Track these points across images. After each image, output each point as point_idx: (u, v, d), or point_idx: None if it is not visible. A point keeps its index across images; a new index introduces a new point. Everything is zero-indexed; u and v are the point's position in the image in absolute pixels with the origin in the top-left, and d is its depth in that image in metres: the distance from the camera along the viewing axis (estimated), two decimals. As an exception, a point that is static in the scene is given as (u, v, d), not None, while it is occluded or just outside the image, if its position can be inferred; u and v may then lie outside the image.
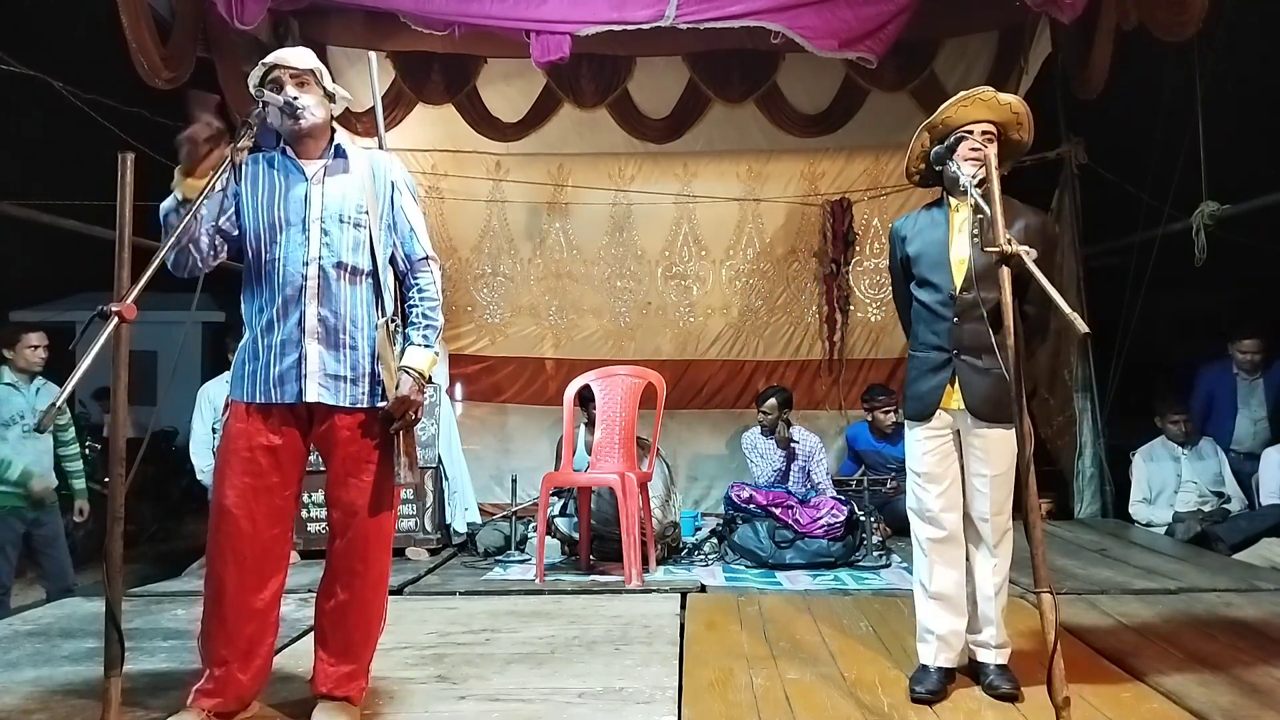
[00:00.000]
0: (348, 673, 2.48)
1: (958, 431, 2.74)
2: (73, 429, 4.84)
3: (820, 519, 4.79)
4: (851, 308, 6.59)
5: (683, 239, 6.77)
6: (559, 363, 6.66)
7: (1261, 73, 5.85)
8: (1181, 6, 4.44)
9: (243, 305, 2.53)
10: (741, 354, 6.68)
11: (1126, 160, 6.22)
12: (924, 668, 2.73)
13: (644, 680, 2.80)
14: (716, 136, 6.56)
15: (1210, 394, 5.67)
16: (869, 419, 5.94)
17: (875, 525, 5.00)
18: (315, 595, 2.54)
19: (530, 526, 5.16)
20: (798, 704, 2.62)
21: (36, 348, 4.53)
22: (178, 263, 2.40)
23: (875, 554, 4.80)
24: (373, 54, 4.48)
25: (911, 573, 4.52)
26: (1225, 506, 5.26)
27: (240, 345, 2.50)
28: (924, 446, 2.75)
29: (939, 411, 2.72)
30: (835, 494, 5.24)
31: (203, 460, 4.98)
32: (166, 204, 2.35)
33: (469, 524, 5.25)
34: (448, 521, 5.17)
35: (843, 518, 4.80)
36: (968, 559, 2.76)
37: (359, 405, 2.45)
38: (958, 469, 2.75)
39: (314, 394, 2.40)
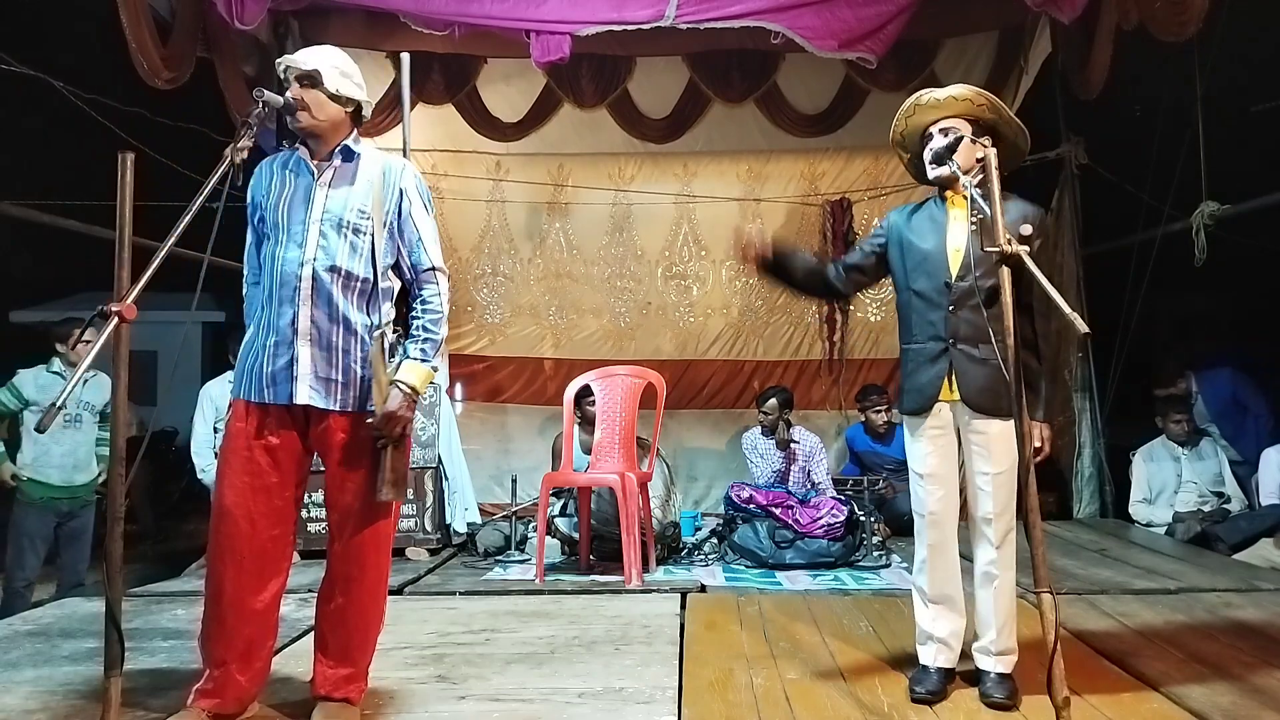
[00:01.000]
0: (346, 675, 2.48)
1: (958, 430, 2.72)
2: None
3: (820, 519, 4.79)
4: (851, 308, 6.59)
5: (683, 239, 6.77)
6: (559, 363, 6.67)
7: (1261, 73, 5.85)
8: (1181, 6, 4.44)
9: (246, 304, 2.56)
10: (741, 354, 6.69)
11: (1126, 160, 6.23)
12: (924, 668, 2.72)
13: (644, 680, 2.79)
14: (716, 136, 6.56)
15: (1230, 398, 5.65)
16: (864, 419, 5.95)
17: (875, 525, 5.01)
18: (315, 597, 2.54)
19: (530, 526, 5.16)
20: (798, 704, 2.62)
21: (89, 343, 4.57)
22: None
23: (875, 554, 4.80)
24: (405, 55, 4.47)
25: (911, 573, 4.54)
26: (1225, 507, 5.26)
27: (243, 342, 2.50)
28: (925, 447, 2.71)
29: (938, 406, 2.68)
30: (835, 494, 5.24)
31: (203, 460, 4.98)
32: None
33: (469, 524, 5.25)
34: (448, 521, 5.17)
35: (843, 518, 4.80)
36: (970, 560, 2.74)
37: (349, 409, 2.43)
38: (957, 468, 2.73)
39: (305, 396, 2.39)
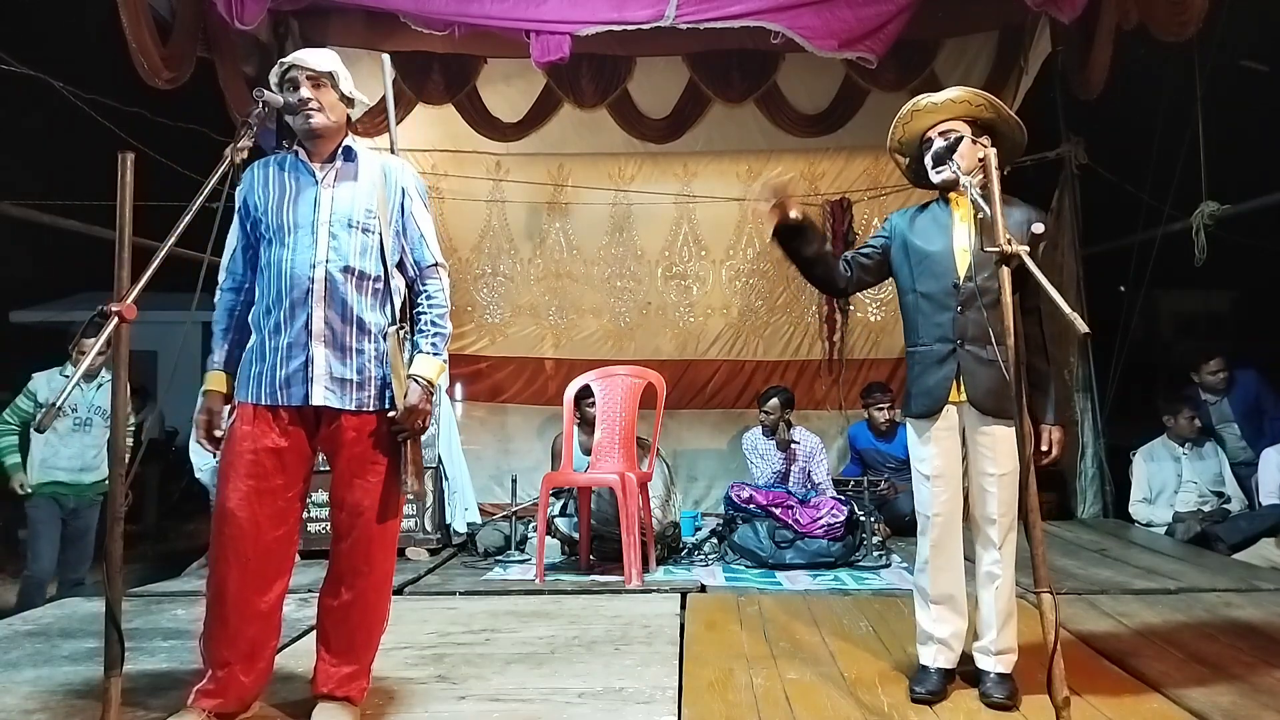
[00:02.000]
0: (349, 673, 2.48)
1: (963, 430, 2.72)
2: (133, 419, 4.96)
3: (820, 519, 4.79)
4: (851, 308, 6.59)
5: (683, 239, 6.77)
6: (559, 363, 6.67)
7: (1261, 73, 5.85)
8: (1181, 6, 4.44)
9: (220, 307, 2.54)
10: (741, 354, 6.69)
11: (1126, 160, 6.23)
12: (924, 668, 2.72)
13: (644, 680, 2.80)
14: (716, 136, 6.56)
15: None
16: (867, 417, 5.96)
17: (875, 525, 5.01)
18: (317, 595, 2.54)
19: (530, 526, 5.16)
20: (798, 704, 2.62)
21: (86, 354, 4.57)
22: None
23: (875, 554, 4.80)
24: (386, 56, 4.49)
25: (911, 573, 4.54)
26: (1225, 507, 5.26)
27: (247, 347, 2.50)
28: (931, 449, 2.70)
29: (946, 408, 2.68)
30: (835, 494, 5.24)
31: (201, 459, 4.99)
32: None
33: (469, 524, 5.25)
34: (448, 521, 5.17)
35: (843, 518, 4.80)
36: (972, 560, 2.74)
37: (365, 409, 2.44)
38: (961, 469, 2.73)
39: (320, 397, 2.39)
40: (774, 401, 5.53)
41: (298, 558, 3.46)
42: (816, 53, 5.31)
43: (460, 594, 4.10)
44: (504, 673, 2.91)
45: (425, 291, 2.58)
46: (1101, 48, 5.25)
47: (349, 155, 2.53)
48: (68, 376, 4.59)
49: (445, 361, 2.59)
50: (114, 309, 1.95)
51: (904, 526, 5.46)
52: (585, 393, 4.91)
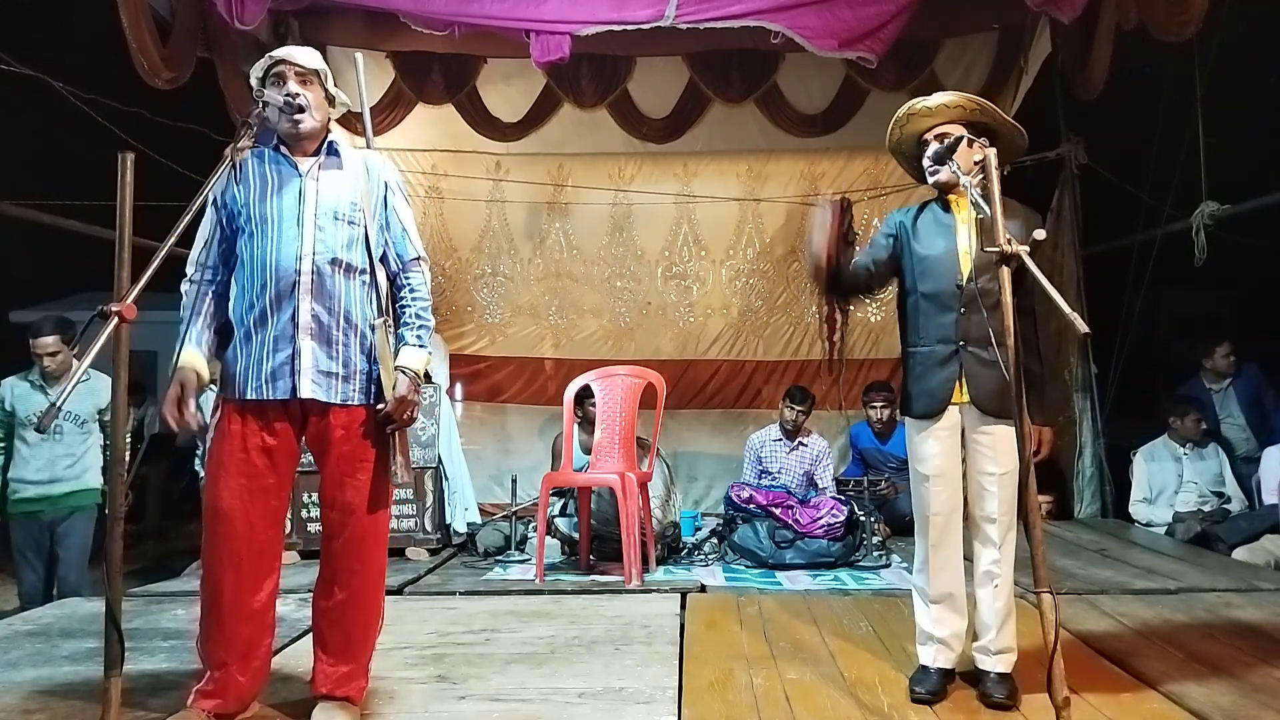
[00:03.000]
0: (347, 673, 2.48)
1: (963, 430, 2.72)
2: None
3: (820, 519, 4.79)
4: (851, 308, 6.59)
5: (683, 239, 6.77)
6: (559, 363, 6.66)
7: (1261, 73, 5.85)
8: (1181, 6, 4.44)
9: (230, 302, 2.50)
10: (741, 354, 6.69)
11: (1126, 160, 6.22)
12: (924, 668, 2.72)
13: (644, 680, 2.80)
14: (716, 136, 6.56)
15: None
16: (867, 416, 5.96)
17: (875, 525, 5.00)
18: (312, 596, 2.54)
19: (530, 526, 5.16)
20: (798, 704, 2.62)
21: (41, 356, 4.28)
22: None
23: (875, 554, 4.80)
24: (359, 54, 4.50)
25: (911, 573, 4.54)
26: (1225, 507, 5.26)
27: (230, 345, 2.47)
28: (932, 448, 2.70)
29: (948, 409, 2.68)
30: (835, 494, 5.24)
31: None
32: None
33: (469, 524, 5.25)
34: (448, 521, 5.17)
35: (843, 518, 4.80)
36: (971, 560, 2.74)
37: (350, 402, 2.44)
38: (960, 469, 2.74)
39: (307, 390, 2.39)
40: (810, 402, 5.57)
41: (298, 558, 3.46)
42: (816, 53, 5.31)
43: (460, 594, 4.09)
44: (504, 673, 2.91)
45: (408, 285, 2.59)
46: (1101, 48, 5.25)
47: (332, 150, 2.54)
48: (31, 381, 4.35)
49: (431, 353, 2.61)
50: (114, 309, 1.95)
51: (904, 526, 5.46)
52: (585, 393, 4.91)
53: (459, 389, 6.52)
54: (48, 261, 9.47)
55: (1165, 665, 2.89)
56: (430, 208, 6.68)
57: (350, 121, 5.62)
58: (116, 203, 2.11)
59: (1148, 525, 5.46)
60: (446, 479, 5.18)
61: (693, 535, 5.30)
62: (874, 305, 6.63)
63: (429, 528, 5.01)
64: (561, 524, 4.94)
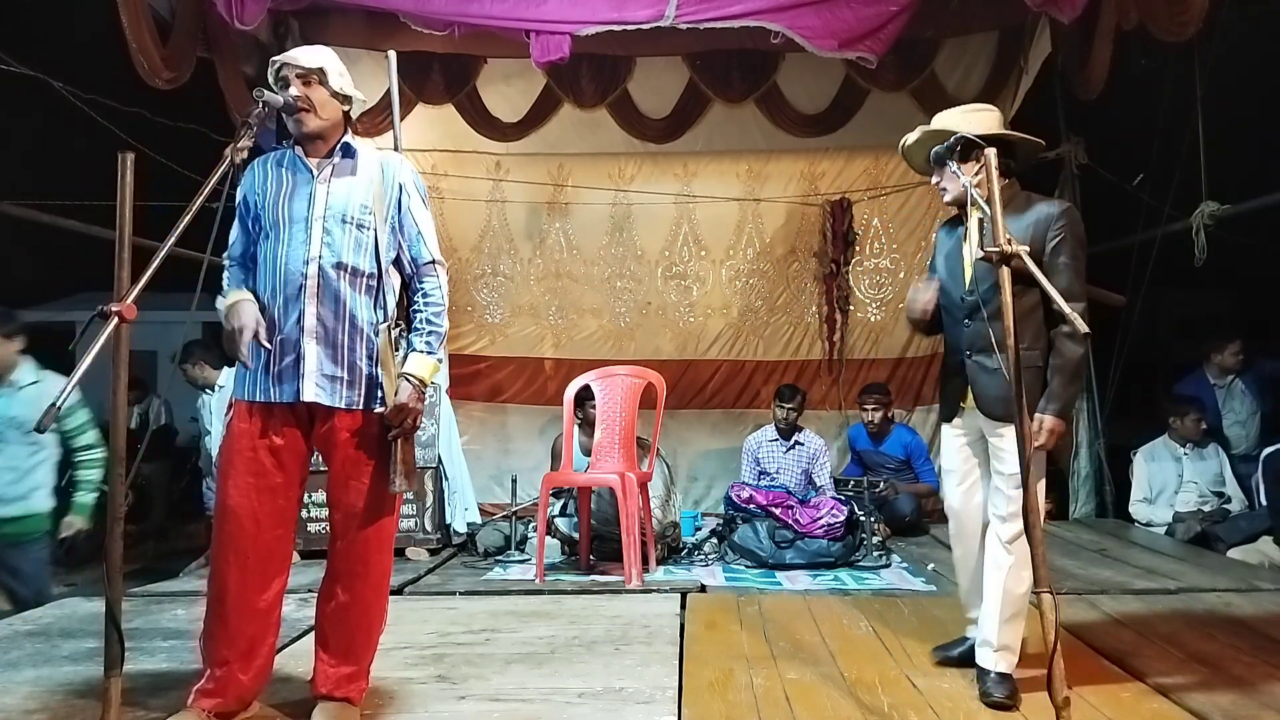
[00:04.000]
0: (348, 674, 2.48)
1: (982, 433, 2.82)
2: (90, 432, 3.99)
3: (820, 519, 4.79)
4: (851, 308, 6.59)
5: (683, 239, 6.77)
6: (559, 363, 6.66)
7: (1261, 73, 5.85)
8: (1181, 6, 4.44)
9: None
10: (741, 354, 6.68)
11: (1126, 160, 6.22)
12: (964, 639, 2.90)
13: (644, 680, 2.80)
14: (716, 136, 6.55)
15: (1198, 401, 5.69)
16: (862, 418, 5.97)
17: (875, 525, 5.00)
18: (316, 596, 2.54)
19: (530, 526, 5.16)
20: (798, 704, 2.62)
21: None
22: None
23: (875, 554, 4.80)
24: (392, 54, 4.51)
25: (911, 573, 4.56)
26: (1225, 507, 5.26)
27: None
28: (950, 444, 2.91)
29: (963, 413, 2.84)
30: (835, 495, 5.24)
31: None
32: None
33: (469, 524, 5.25)
34: (448, 521, 5.17)
35: (843, 518, 4.80)
36: (983, 555, 2.79)
37: (355, 407, 2.43)
38: (979, 468, 2.83)
39: (311, 394, 2.39)
40: (799, 399, 5.59)
41: (298, 557, 3.45)
42: (816, 53, 5.30)
43: (460, 594, 4.10)
44: (504, 673, 2.91)
45: (421, 289, 2.55)
46: (1101, 48, 5.25)
47: (347, 152, 2.53)
48: None
49: (440, 361, 2.59)
50: (114, 309, 1.95)
51: (904, 526, 5.48)
52: (586, 395, 4.91)
53: (459, 389, 6.51)
54: (48, 261, 9.46)
55: (1165, 665, 2.90)
56: (430, 208, 6.67)
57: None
58: (116, 203, 2.11)
59: (1148, 525, 5.46)
60: (446, 479, 5.18)
61: (693, 535, 5.31)
62: (874, 305, 6.63)
63: (429, 528, 5.01)
64: (561, 524, 4.94)
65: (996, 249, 2.20)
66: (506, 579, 4.48)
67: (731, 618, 3.58)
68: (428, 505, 5.02)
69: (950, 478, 2.91)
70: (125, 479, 2.16)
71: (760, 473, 5.61)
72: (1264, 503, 4.95)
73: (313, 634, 2.56)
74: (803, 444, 5.60)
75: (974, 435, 2.84)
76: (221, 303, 2.45)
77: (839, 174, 6.64)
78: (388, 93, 5.87)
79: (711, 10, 5.16)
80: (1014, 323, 2.22)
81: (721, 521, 5.24)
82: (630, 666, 2.94)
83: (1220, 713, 2.50)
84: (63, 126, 5.96)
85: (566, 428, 4.78)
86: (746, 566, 4.75)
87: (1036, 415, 2.63)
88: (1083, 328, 2.09)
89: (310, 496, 4.52)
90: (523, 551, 5.01)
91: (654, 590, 4.08)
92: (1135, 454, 5.64)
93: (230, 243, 2.58)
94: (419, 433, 2.62)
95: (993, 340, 2.52)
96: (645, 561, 4.45)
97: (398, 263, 2.57)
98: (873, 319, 6.64)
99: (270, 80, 2.51)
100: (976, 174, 2.65)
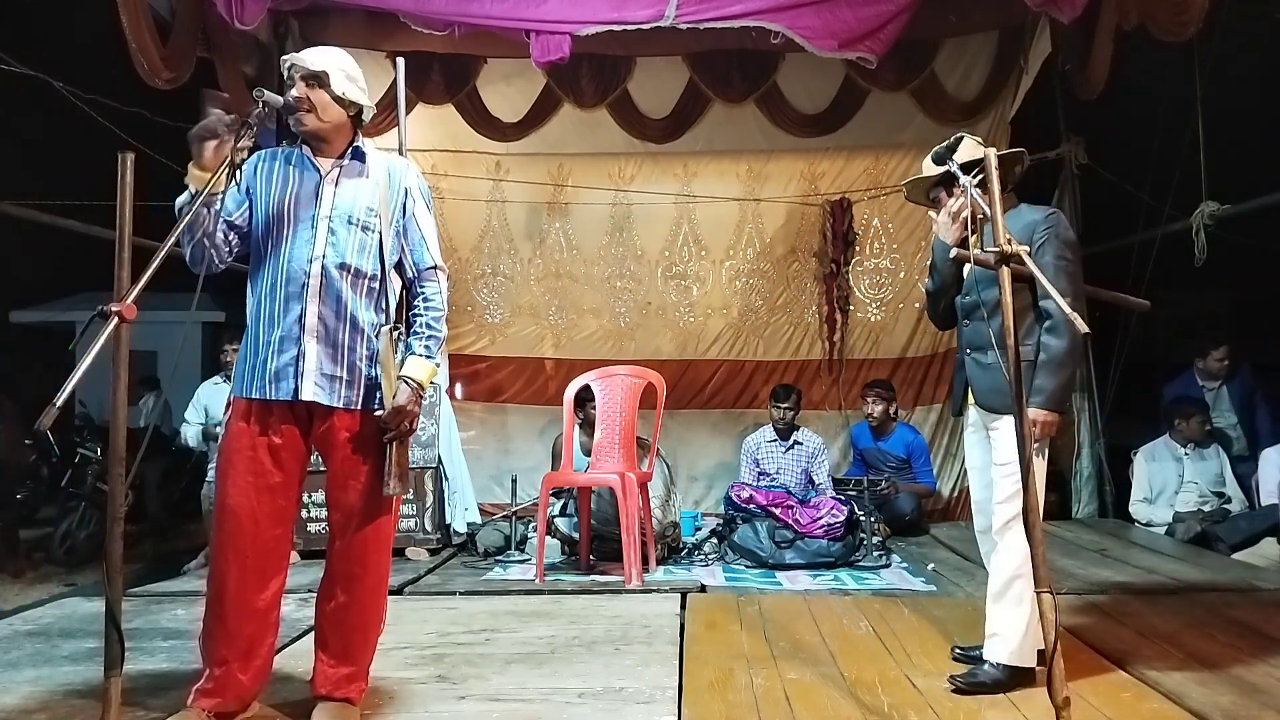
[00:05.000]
0: (347, 674, 2.48)
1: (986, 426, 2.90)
2: None
3: (820, 519, 4.79)
4: (851, 308, 6.58)
5: (683, 239, 6.77)
6: (559, 363, 6.66)
7: (1261, 73, 5.85)
8: (1181, 6, 4.44)
9: (248, 301, 2.52)
10: (741, 354, 6.68)
11: (1126, 160, 6.22)
12: None
13: (644, 680, 2.80)
14: (716, 136, 6.55)
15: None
16: (864, 413, 5.97)
17: (875, 525, 5.00)
18: (315, 596, 2.54)
19: (530, 526, 5.16)
20: (798, 704, 2.62)
21: None
22: (194, 257, 2.37)
23: (875, 554, 4.80)
24: (400, 60, 4.50)
25: (911, 573, 4.56)
26: (1225, 507, 5.26)
27: (243, 341, 2.50)
28: (968, 441, 3.02)
29: (968, 408, 2.96)
30: (835, 495, 5.24)
31: (189, 430, 5.24)
32: (181, 198, 2.34)
33: (469, 524, 5.25)
34: (448, 521, 5.17)
35: (843, 518, 4.80)
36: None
37: (353, 407, 2.43)
38: (990, 462, 2.87)
39: (309, 392, 2.39)
40: (795, 398, 5.60)
41: (298, 557, 3.46)
42: (816, 53, 5.31)
43: (460, 594, 4.10)
44: (504, 673, 2.91)
45: (422, 294, 2.56)
46: (1101, 48, 5.25)
47: (357, 154, 2.53)
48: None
49: (438, 365, 2.59)
50: (114, 309, 1.95)
51: (904, 526, 5.48)
52: (586, 395, 4.91)
53: (459, 389, 6.52)
54: (48, 261, 9.47)
55: (1165, 665, 2.89)
56: (434, 212, 6.67)
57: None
58: (116, 203, 2.12)
59: (1148, 525, 5.46)
60: (446, 479, 5.18)
61: (693, 535, 5.30)
62: (874, 305, 6.63)
63: (429, 528, 5.01)
64: (561, 524, 4.94)
65: (996, 249, 2.20)
66: (506, 579, 4.48)
67: (731, 618, 3.58)
68: (428, 505, 5.01)
69: (973, 474, 3.01)
70: (126, 479, 2.16)
71: (759, 473, 5.61)
72: (1263, 502, 4.96)
73: (313, 634, 2.56)
74: (801, 443, 5.60)
75: (979, 429, 2.94)
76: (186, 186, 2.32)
77: (839, 174, 6.64)
78: (386, 93, 5.93)
79: (711, 10, 5.17)
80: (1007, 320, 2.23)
81: (721, 521, 5.24)
82: (630, 666, 2.94)
83: (1220, 713, 2.50)
84: (63, 126, 5.96)
85: (567, 428, 4.78)
86: (746, 566, 4.75)
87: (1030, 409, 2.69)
88: (1083, 328, 2.09)
89: (310, 496, 4.51)
90: (523, 551, 5.01)
91: (654, 590, 4.08)
92: (1135, 454, 5.64)
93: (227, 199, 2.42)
94: (419, 433, 2.62)
95: (993, 338, 2.61)
96: (645, 561, 4.45)
97: (399, 266, 2.57)
98: (873, 319, 6.64)
99: (284, 78, 2.51)
100: (977, 174, 2.65)
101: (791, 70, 6.22)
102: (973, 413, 2.95)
